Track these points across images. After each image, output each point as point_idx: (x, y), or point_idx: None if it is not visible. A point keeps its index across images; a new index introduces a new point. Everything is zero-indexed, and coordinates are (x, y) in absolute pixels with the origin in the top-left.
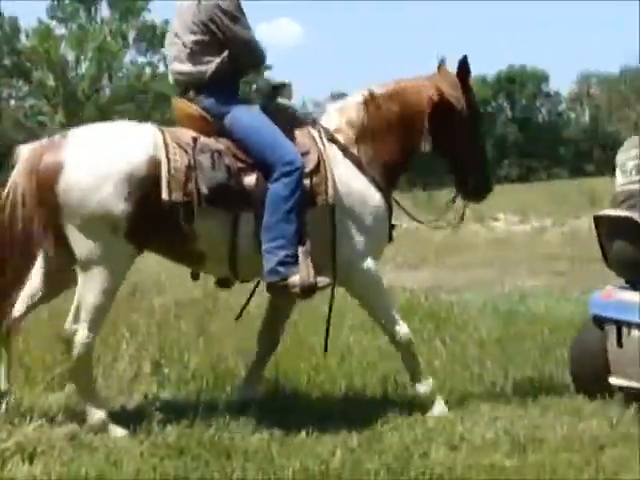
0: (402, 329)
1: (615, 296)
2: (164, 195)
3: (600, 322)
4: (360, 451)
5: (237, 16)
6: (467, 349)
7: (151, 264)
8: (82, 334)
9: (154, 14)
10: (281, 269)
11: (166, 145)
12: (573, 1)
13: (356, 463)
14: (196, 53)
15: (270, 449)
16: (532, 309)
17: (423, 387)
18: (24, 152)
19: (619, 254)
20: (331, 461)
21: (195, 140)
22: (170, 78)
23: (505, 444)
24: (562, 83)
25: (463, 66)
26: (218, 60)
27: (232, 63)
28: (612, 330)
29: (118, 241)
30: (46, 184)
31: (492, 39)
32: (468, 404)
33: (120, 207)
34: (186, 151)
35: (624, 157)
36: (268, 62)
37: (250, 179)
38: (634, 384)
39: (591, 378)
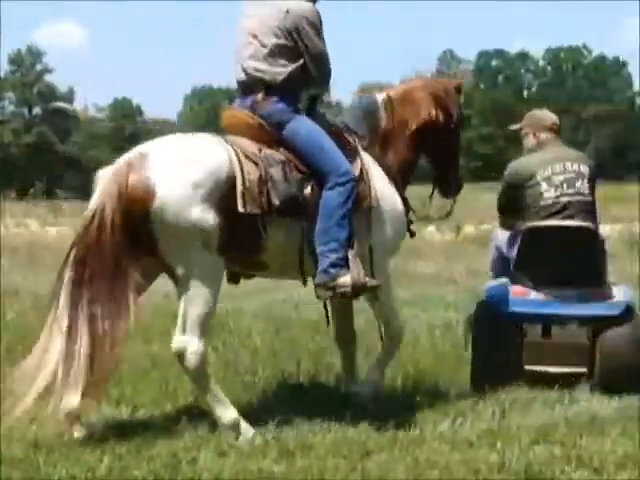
0: (399, 324)
1: (532, 295)
2: (240, 207)
3: (519, 318)
4: (129, 458)
5: (319, 29)
6: (240, 357)
7: None
8: (194, 344)
9: None
10: (332, 270)
11: (239, 158)
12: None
13: (124, 470)
14: (275, 55)
15: (36, 457)
16: (304, 316)
17: (376, 375)
18: (106, 173)
19: (556, 261)
20: (98, 468)
21: (260, 151)
22: (240, 76)
23: (273, 450)
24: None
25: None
26: (293, 66)
27: (304, 73)
28: (536, 325)
29: (212, 254)
30: (137, 204)
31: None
32: (239, 412)
33: (210, 221)
34: (256, 163)
35: (547, 172)
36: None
37: (309, 188)
38: (556, 369)
39: (503, 367)
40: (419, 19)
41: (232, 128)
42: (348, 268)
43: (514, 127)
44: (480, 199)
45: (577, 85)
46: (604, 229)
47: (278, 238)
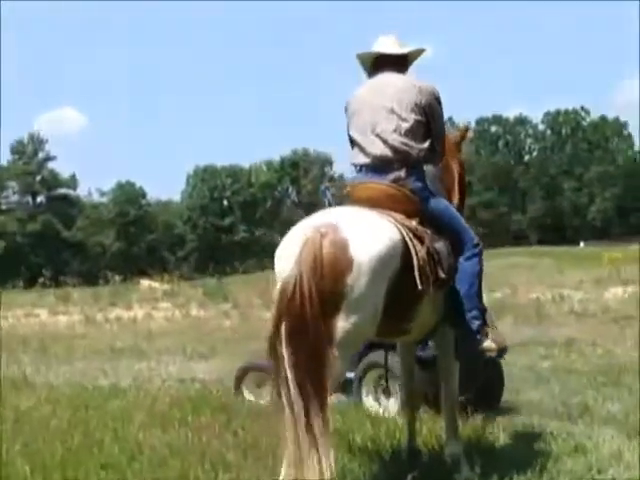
0: (456, 387)
1: None
2: (419, 285)
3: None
4: None
5: (442, 109)
6: (259, 440)
7: None
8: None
9: None
10: (477, 336)
11: (408, 235)
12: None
13: None
14: (414, 131)
15: None
16: None
17: (456, 447)
18: (290, 245)
19: None
20: None
21: (419, 225)
22: (379, 151)
23: None
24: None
25: (465, 131)
26: (429, 142)
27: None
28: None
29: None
30: (333, 272)
31: (274, 123)
32: None
33: (382, 295)
34: (420, 238)
35: None
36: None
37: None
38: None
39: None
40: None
41: (369, 201)
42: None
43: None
44: (490, 265)
45: (578, 147)
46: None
47: (427, 306)
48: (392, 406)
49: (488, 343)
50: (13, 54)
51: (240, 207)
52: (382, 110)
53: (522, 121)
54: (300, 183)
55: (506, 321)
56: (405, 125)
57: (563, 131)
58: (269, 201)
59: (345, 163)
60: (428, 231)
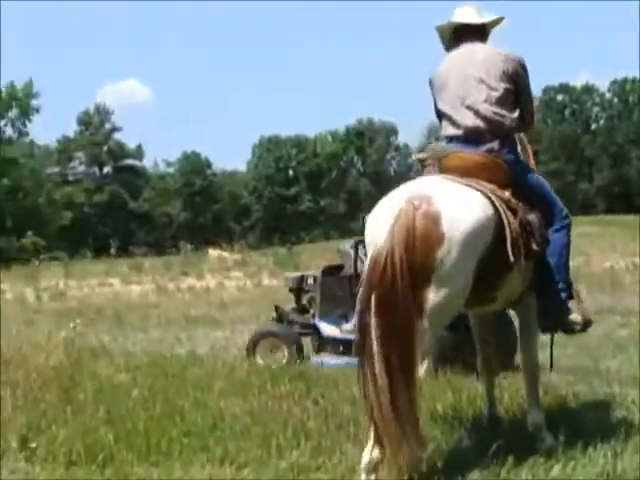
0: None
1: None
2: (511, 258)
3: None
4: None
5: (529, 77)
6: (339, 408)
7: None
8: None
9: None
10: (564, 309)
11: (502, 207)
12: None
13: None
14: (505, 100)
15: None
16: None
17: (538, 415)
18: (381, 214)
19: None
20: None
21: (512, 196)
22: (470, 122)
23: None
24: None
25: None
26: (518, 111)
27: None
28: None
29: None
30: (425, 245)
31: (342, 93)
32: (346, 465)
33: (473, 268)
34: (513, 210)
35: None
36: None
37: None
38: None
39: None
40: None
41: (462, 170)
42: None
43: (420, 156)
44: None
45: None
46: None
47: (516, 276)
48: None
49: (574, 316)
50: (76, 26)
51: (305, 177)
52: (471, 80)
53: (589, 90)
54: (365, 153)
55: (581, 289)
56: (495, 94)
57: (630, 99)
58: (334, 171)
59: (409, 133)
60: (520, 203)
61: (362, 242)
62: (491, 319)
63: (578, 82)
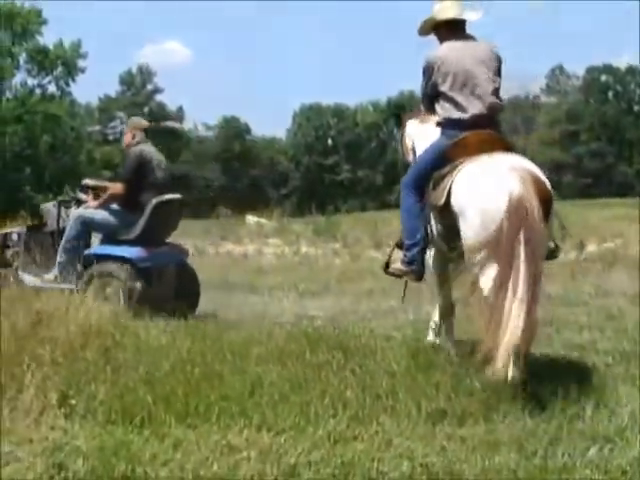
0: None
1: None
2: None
3: None
4: None
5: None
6: (377, 379)
7: (55, 293)
8: None
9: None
10: None
11: None
12: None
13: None
14: (499, 92)
15: None
16: None
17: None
18: (510, 177)
19: None
20: None
21: None
22: (483, 109)
23: (422, 478)
24: None
25: None
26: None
27: None
28: None
29: None
30: (546, 200)
31: (386, 63)
32: (382, 436)
33: None
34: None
35: None
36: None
37: None
38: None
39: None
40: (526, 36)
41: (487, 146)
42: None
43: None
44: (597, 216)
45: None
46: None
47: None
48: None
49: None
50: None
51: (344, 147)
52: (479, 73)
53: (633, 71)
54: None
55: (620, 271)
56: (497, 86)
57: None
58: (374, 142)
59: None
60: None
61: (64, 202)
62: None
63: (622, 63)
